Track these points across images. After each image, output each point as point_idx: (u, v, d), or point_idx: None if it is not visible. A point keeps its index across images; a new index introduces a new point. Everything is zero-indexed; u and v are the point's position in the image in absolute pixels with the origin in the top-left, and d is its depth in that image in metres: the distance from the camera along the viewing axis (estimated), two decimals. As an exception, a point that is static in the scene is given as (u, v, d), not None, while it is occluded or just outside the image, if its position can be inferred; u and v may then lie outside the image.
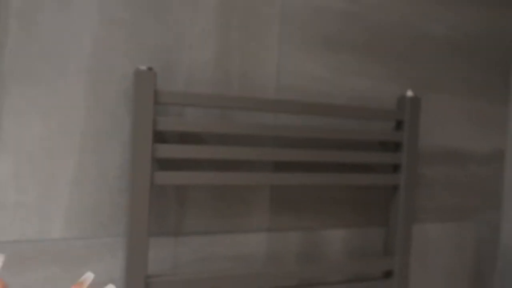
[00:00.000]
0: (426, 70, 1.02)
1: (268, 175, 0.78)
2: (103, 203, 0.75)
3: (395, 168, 0.91)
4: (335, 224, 0.94)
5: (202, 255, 0.82)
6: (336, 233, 0.94)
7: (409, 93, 0.89)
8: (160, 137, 0.78)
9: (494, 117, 1.12)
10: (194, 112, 0.80)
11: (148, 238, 0.69)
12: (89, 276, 0.47)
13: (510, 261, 1.13)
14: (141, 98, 0.68)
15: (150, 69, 0.69)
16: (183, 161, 0.80)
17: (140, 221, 0.69)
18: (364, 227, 0.97)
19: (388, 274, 0.92)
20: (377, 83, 0.96)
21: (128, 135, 0.76)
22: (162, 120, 0.70)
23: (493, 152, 1.13)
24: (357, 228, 0.96)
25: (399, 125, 0.90)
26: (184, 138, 0.80)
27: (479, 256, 1.13)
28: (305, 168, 0.90)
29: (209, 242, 0.83)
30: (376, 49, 0.95)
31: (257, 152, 0.77)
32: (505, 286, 1.13)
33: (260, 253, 0.87)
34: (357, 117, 0.84)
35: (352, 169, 0.94)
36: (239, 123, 0.76)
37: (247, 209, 0.85)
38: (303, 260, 0.91)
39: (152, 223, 0.78)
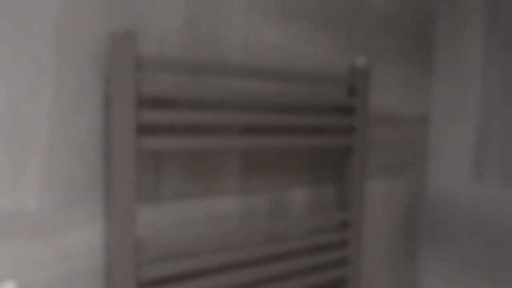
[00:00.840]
0: (367, 40, 1.12)
1: (237, 139, 0.82)
2: (79, 171, 0.73)
3: (349, 130, 1.00)
4: (297, 184, 1.02)
5: (180, 219, 0.85)
6: (299, 192, 1.02)
7: (360, 61, 0.98)
8: (139, 103, 0.77)
9: (420, 84, 1.28)
10: (165, 78, 0.81)
11: (136, 203, 0.70)
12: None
13: (433, 208, 1.32)
14: (122, 62, 0.67)
15: (129, 32, 0.67)
16: (156, 127, 0.80)
17: (128, 188, 0.69)
18: (322, 185, 1.06)
19: (344, 225, 1.03)
20: (329, 51, 1.04)
21: (102, 100, 0.74)
22: (144, 86, 0.70)
23: (420, 116, 1.29)
24: (316, 186, 1.05)
25: (352, 91, 0.99)
26: (157, 104, 0.80)
27: (411, 204, 1.30)
28: (270, 132, 0.95)
29: (186, 206, 0.85)
30: (327, 19, 1.03)
31: (227, 117, 0.80)
32: (428, 232, 1.33)
33: (233, 213, 0.92)
34: (312, 83, 0.91)
35: (311, 132, 1.02)
36: (212, 88, 0.78)
37: (220, 173, 0.89)
38: (271, 217, 0.98)
39: (130, 190, 0.78)
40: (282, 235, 0.99)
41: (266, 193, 0.97)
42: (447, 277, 1.29)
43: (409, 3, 1.22)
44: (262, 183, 0.96)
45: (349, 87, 0.99)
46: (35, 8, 0.67)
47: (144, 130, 0.79)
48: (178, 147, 0.74)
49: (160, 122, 0.72)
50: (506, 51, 1.16)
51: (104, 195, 0.75)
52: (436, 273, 1.32)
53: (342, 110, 1.05)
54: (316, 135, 1.02)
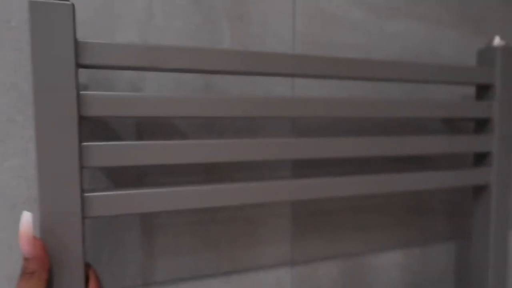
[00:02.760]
0: (497, 11, 0.70)
1: (288, 183, 0.46)
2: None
3: (479, 158, 0.59)
4: (384, 245, 0.63)
5: (188, 317, 0.51)
6: (388, 258, 0.63)
7: (498, 40, 0.57)
8: (97, 129, 0.46)
9: None
10: (155, 84, 0.48)
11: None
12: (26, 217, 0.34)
13: None
14: (48, 54, 0.35)
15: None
16: (142, 172, 0.48)
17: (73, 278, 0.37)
18: (425, 245, 0.66)
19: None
20: (436, 28, 0.64)
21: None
22: (93, 98, 0.38)
23: None
24: (415, 247, 0.65)
25: (482, 91, 0.58)
26: (140, 130, 0.48)
27: None
28: (336, 167, 0.58)
29: (198, 295, 0.51)
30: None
31: (270, 146, 0.45)
32: None
33: (280, 303, 0.56)
34: (420, 80, 0.52)
35: (409, 165, 0.62)
36: (234, 97, 0.43)
37: (256, 234, 0.54)
38: (345, 306, 0.60)
39: (103, 272, 0.47)
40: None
41: (335, 263, 0.59)
42: None
43: None
44: (326, 248, 0.59)
45: (478, 85, 0.58)
46: None
47: (113, 180, 0.47)
48: (160, 208, 0.40)
49: (129, 164, 0.39)
50: None
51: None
52: None
53: (458, 123, 0.64)
54: (421, 169, 0.63)
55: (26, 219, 0.34)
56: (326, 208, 0.58)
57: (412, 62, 0.51)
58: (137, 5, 0.47)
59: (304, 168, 0.56)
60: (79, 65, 0.37)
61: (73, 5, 0.36)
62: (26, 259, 0.34)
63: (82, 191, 0.37)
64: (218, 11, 0.50)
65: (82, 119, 0.38)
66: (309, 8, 0.55)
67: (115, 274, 0.47)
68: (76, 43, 0.36)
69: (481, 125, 0.58)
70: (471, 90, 0.65)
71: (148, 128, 0.48)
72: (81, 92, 0.37)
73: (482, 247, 0.60)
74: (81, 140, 0.37)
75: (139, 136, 0.47)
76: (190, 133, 0.50)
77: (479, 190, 0.59)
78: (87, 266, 0.39)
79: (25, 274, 0.34)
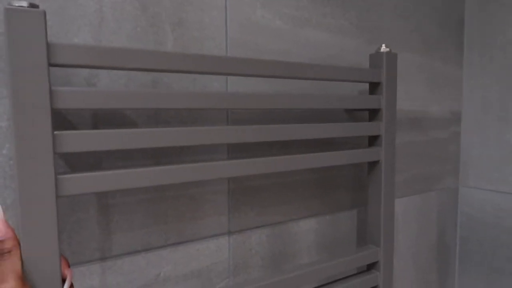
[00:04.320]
0: (387, 23, 0.87)
1: (224, 164, 0.56)
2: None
3: (372, 140, 0.75)
4: (303, 214, 0.76)
5: (143, 281, 0.58)
6: (306, 224, 0.77)
7: (384, 48, 0.73)
8: (58, 120, 0.51)
9: (449, 77, 1.03)
10: (107, 79, 0.54)
11: (60, 276, 0.44)
12: None
13: (467, 230, 1.07)
14: (23, 55, 0.40)
15: (34, 6, 0.41)
16: (94, 154, 0.54)
17: (47, 252, 0.43)
18: (334, 213, 0.81)
19: (370, 266, 0.77)
20: (340, 37, 0.78)
21: (8, 118, 0.48)
22: (63, 93, 0.44)
23: (451, 115, 1.05)
24: (327, 215, 0.80)
25: (374, 87, 0.74)
26: (96, 120, 0.54)
27: (441, 226, 1.05)
28: (261, 148, 0.70)
29: (151, 262, 0.59)
30: (339, -5, 0.77)
31: (209, 133, 0.54)
32: (464, 259, 1.08)
33: (221, 264, 0.66)
34: (327, 78, 0.66)
35: (320, 147, 0.76)
36: (178, 92, 0.52)
37: (199, 209, 0.63)
38: (272, 264, 0.72)
39: (65, 250, 0.52)
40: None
41: (264, 230, 0.71)
42: (491, 312, 1.05)
43: (433, -27, 0.97)
44: (258, 218, 0.70)
45: (370, 83, 0.74)
46: None
47: (70, 160, 0.53)
48: (123, 185, 0.48)
49: (93, 149, 0.46)
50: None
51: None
52: (476, 306, 1.07)
53: (356, 113, 0.80)
54: (328, 149, 0.77)
55: None
56: (255, 185, 0.69)
57: (321, 64, 0.65)
58: (88, 9, 0.52)
59: (237, 151, 0.66)
60: (50, 64, 0.43)
61: (44, 12, 0.41)
62: (1, 241, 0.39)
63: (56, 173, 0.43)
64: (161, 16, 0.58)
65: (54, 111, 0.43)
66: (239, 17, 0.65)
67: (75, 251, 0.53)
68: (48, 45, 0.42)
69: (373, 114, 0.74)
70: (366, 86, 0.81)
71: (103, 118, 0.54)
72: (53, 88, 0.43)
73: (375, 212, 0.76)
74: (53, 129, 0.43)
75: (95, 126, 0.53)
76: (140, 123, 0.57)
77: (372, 166, 0.75)
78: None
79: (4, 254, 0.39)
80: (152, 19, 0.57)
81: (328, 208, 0.80)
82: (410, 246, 0.97)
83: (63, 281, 0.44)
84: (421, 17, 0.94)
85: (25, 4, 0.40)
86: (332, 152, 0.67)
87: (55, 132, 0.43)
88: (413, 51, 0.93)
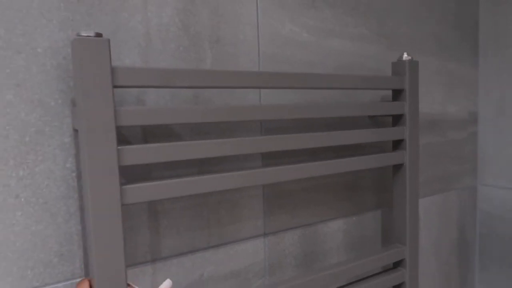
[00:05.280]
0: (404, 29, 0.91)
1: (259, 172, 0.60)
2: (45, 237, 0.52)
3: (396, 144, 0.79)
4: (331, 215, 0.80)
5: (189, 280, 0.63)
6: (334, 225, 0.81)
7: (406, 56, 0.77)
8: (119, 136, 0.56)
9: (465, 79, 1.06)
10: (155, 97, 0.59)
11: (126, 274, 0.49)
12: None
13: (486, 227, 1.11)
14: (92, 80, 0.45)
15: (99, 35, 0.46)
16: (147, 167, 0.59)
17: (114, 255, 0.47)
18: (361, 214, 0.85)
19: (396, 264, 0.81)
20: (361, 44, 0.82)
21: (70, 134, 0.53)
22: (126, 112, 0.48)
23: (468, 116, 1.08)
24: (353, 216, 0.84)
25: (397, 94, 0.78)
26: (146, 132, 0.58)
27: (462, 225, 1.08)
28: (294, 156, 0.74)
29: (195, 263, 0.64)
30: (356, 5, 0.81)
31: (245, 143, 0.58)
32: (485, 251, 1.12)
33: (258, 265, 0.70)
34: (353, 87, 0.70)
35: (347, 151, 0.80)
36: (217, 107, 0.56)
37: (238, 213, 0.68)
38: (304, 263, 0.77)
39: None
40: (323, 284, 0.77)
41: (296, 232, 0.75)
42: (512, 306, 1.08)
43: (448, -20, 1.00)
44: (290, 221, 0.74)
45: (393, 90, 0.78)
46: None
47: (129, 172, 0.57)
48: (177, 193, 0.52)
49: (153, 161, 0.50)
50: None
51: (84, 264, 0.54)
52: (497, 301, 1.10)
53: (380, 119, 0.83)
54: (355, 154, 0.81)
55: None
56: (287, 189, 0.73)
57: (346, 74, 0.69)
58: (137, 32, 0.57)
59: (270, 158, 0.70)
60: (114, 86, 0.47)
61: (108, 40, 0.46)
62: None
63: (120, 184, 0.48)
64: (201, 35, 0.62)
65: (117, 128, 0.48)
66: (269, 32, 0.69)
67: (129, 253, 0.58)
68: (112, 68, 0.47)
69: (397, 119, 0.78)
70: (389, 93, 0.85)
71: (151, 132, 0.59)
72: (116, 108, 0.47)
73: (401, 212, 0.80)
74: (117, 144, 0.48)
75: (144, 139, 0.58)
76: (184, 134, 0.61)
77: (397, 169, 0.79)
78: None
79: None
80: (193, 38, 0.62)
81: (355, 209, 0.83)
82: (432, 243, 1.01)
83: None
84: (436, 21, 0.97)
85: (92, 34, 0.45)
86: (359, 157, 0.71)
87: (119, 147, 0.48)
88: (429, 55, 0.96)
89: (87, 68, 0.45)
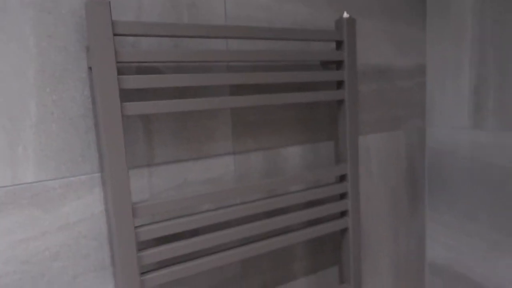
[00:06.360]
0: (356, -6, 1.10)
1: (225, 98, 0.82)
2: (71, 142, 0.75)
3: (338, 84, 1.00)
4: (291, 143, 1.02)
5: (176, 182, 0.87)
6: (293, 150, 1.03)
7: (345, 14, 0.97)
8: (120, 70, 0.78)
9: (414, 37, 1.25)
10: (147, 43, 0.81)
11: (128, 169, 0.72)
12: None
13: (434, 158, 1.32)
14: (99, 30, 0.67)
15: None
16: (142, 92, 0.82)
17: (118, 154, 0.71)
18: (316, 143, 1.07)
19: (341, 179, 1.04)
20: (314, 9, 1.02)
21: (85, 71, 0.75)
22: (122, 52, 0.71)
23: (416, 68, 1.28)
24: (310, 143, 1.06)
25: (338, 45, 0.98)
26: (140, 70, 0.81)
27: (410, 159, 1.30)
28: (257, 90, 0.96)
29: (180, 170, 0.87)
30: (312, -25, 1.01)
31: (213, 77, 0.80)
32: (431, 182, 1.33)
33: (229, 174, 0.94)
34: (301, 39, 0.91)
35: (300, 89, 1.02)
36: (194, 51, 0.78)
37: (211, 135, 0.90)
38: (267, 176, 1.00)
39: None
40: (280, 192, 1.01)
41: (260, 153, 0.98)
42: (453, 225, 1.30)
43: (396, -50, 1.18)
44: (255, 144, 0.97)
45: (336, 41, 0.98)
46: (8, -17, 0.68)
47: (128, 96, 0.80)
48: (162, 109, 0.75)
49: (143, 87, 0.73)
50: (499, -9, 1.12)
51: (99, 163, 0.78)
52: (442, 222, 1.33)
53: (330, 65, 1.04)
54: (306, 91, 1.02)
55: None
56: (252, 121, 0.96)
57: (297, 28, 0.89)
58: (131, -2, 0.79)
59: (235, 93, 0.92)
60: (114, 34, 0.69)
61: (109, 2, 0.68)
62: None
63: (121, 102, 0.71)
64: (180, 1, 0.84)
65: (117, 64, 0.70)
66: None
67: (130, 160, 0.81)
68: (112, 22, 0.69)
69: (338, 64, 0.99)
70: (333, 44, 1.06)
71: (142, 68, 0.81)
72: (116, 49, 0.70)
73: (343, 143, 1.02)
74: (118, 75, 0.70)
75: (138, 73, 0.80)
76: (167, 72, 0.84)
77: (339, 104, 1.01)
78: None
79: None
80: (173, 2, 0.83)
81: (310, 139, 1.06)
82: (381, 173, 1.23)
83: None
84: (385, -12, 1.16)
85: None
86: (308, 92, 0.93)
87: (119, 76, 0.70)
88: (379, 18, 1.16)
89: (95, 22, 0.67)
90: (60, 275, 0.75)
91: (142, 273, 0.78)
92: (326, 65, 1.05)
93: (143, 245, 0.83)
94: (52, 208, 0.74)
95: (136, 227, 0.76)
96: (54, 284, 0.75)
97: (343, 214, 1.05)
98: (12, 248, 0.71)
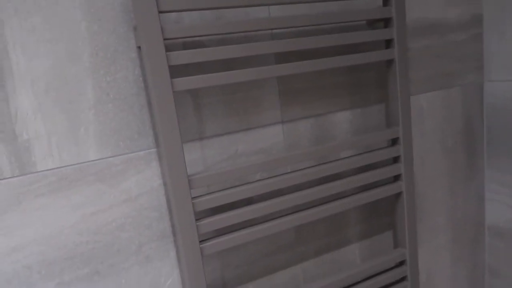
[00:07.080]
0: None
1: (272, 67, 0.81)
2: (128, 121, 0.79)
3: (387, 44, 0.96)
4: (339, 108, 1.01)
5: (227, 154, 0.89)
6: (341, 116, 1.02)
7: (392, -33, 0.91)
8: (168, 47, 0.80)
9: (470, -17, 1.16)
10: (189, 19, 0.82)
11: (182, 143, 0.75)
12: None
13: (493, 118, 1.24)
14: (145, 9, 0.69)
15: (146, -22, 0.68)
16: (188, 68, 0.83)
17: (172, 129, 0.73)
18: (365, 106, 1.04)
19: (394, 142, 1.01)
20: (359, -36, 0.97)
21: (135, 50, 0.78)
22: (168, 29, 0.72)
23: (471, 18, 1.19)
24: (358, 108, 1.03)
25: (385, 1, 0.93)
26: (186, 46, 0.82)
27: (467, 117, 1.23)
28: (303, 57, 0.94)
29: (231, 141, 0.89)
30: None
31: (258, 46, 0.79)
32: (490, 141, 1.26)
33: (279, 144, 0.94)
34: None
35: (347, 52, 0.99)
36: (237, 21, 0.78)
37: (259, 105, 0.91)
38: (318, 142, 0.99)
39: (176, 133, 0.83)
40: (331, 159, 1.00)
41: (309, 120, 0.97)
42: (515, 185, 1.24)
43: None
44: (303, 112, 0.96)
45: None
46: (57, -29, 0.70)
47: (175, 72, 0.82)
48: (210, 83, 0.76)
49: (191, 61, 0.74)
50: None
51: (154, 138, 0.81)
52: (503, 183, 1.27)
53: (377, 23, 0.99)
54: (353, 53, 0.99)
55: None
56: (299, 88, 0.95)
57: (338, -12, 0.86)
58: (172, -27, 0.79)
59: (281, 61, 0.91)
60: (160, 12, 0.70)
61: (152, -20, 0.68)
62: None
63: (171, 77, 0.72)
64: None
65: (164, 41, 0.72)
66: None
67: (183, 134, 0.84)
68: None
69: (386, 22, 0.94)
70: (379, 1, 1.00)
71: (188, 42, 0.82)
72: (162, 26, 0.71)
73: (394, 106, 0.98)
74: (166, 51, 0.71)
75: (184, 48, 0.82)
76: (211, 45, 0.84)
77: (389, 64, 0.97)
78: None
79: None
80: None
81: (359, 103, 1.03)
82: (436, 134, 1.18)
83: None
84: None
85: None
86: (354, 54, 0.90)
87: (167, 53, 0.72)
88: (429, -34, 1.08)
89: (140, 2, 0.68)
90: (128, 244, 0.81)
91: (201, 241, 0.82)
92: (372, 24, 1.00)
93: (200, 215, 0.87)
94: (116, 183, 0.79)
95: (193, 198, 0.80)
96: (123, 252, 0.81)
97: (396, 178, 1.03)
98: (84, 221, 0.77)
